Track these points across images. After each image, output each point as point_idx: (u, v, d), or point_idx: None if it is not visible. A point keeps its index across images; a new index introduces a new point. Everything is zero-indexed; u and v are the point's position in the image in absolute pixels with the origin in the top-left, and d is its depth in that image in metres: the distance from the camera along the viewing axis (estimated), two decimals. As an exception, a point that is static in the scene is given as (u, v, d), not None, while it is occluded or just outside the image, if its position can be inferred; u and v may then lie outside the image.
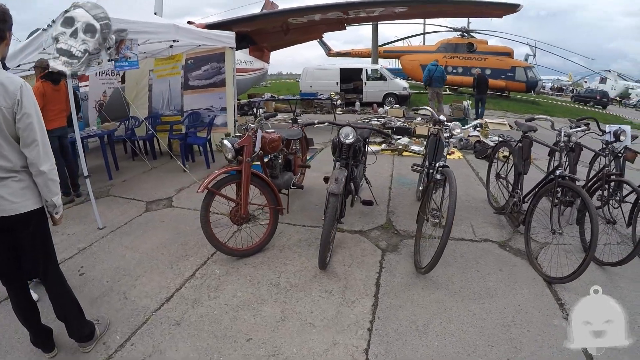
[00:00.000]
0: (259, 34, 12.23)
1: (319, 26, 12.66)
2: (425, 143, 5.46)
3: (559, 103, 25.14)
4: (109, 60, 4.63)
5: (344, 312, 2.93)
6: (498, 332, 2.70)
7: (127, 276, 3.59)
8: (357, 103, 15.91)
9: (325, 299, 3.12)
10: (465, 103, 13.67)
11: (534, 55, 31.85)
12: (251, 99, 12.18)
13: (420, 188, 4.67)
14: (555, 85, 45.11)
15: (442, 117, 3.86)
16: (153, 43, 7.12)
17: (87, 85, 8.45)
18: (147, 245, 4.16)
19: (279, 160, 4.53)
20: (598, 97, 28.73)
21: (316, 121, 4.00)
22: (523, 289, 3.22)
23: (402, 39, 31.09)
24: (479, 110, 13.47)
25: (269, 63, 17.68)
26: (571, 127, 3.88)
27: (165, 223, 4.76)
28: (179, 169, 7.12)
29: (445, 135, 3.66)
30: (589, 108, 24.35)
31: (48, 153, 2.16)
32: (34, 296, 2.72)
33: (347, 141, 3.54)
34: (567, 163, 3.65)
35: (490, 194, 5.31)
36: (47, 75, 5.18)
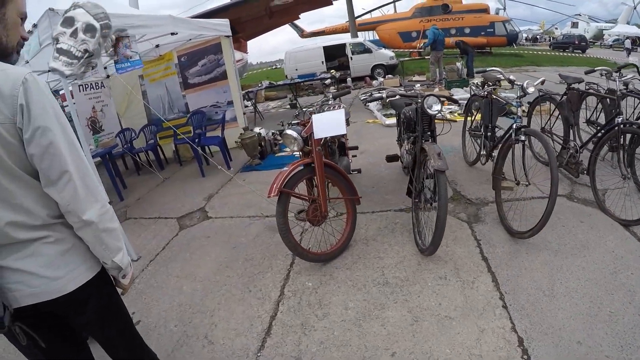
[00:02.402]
0: (240, 22, 11.42)
1: (302, 5, 11.92)
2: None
3: (540, 53, 24.79)
4: (113, 62, 3.96)
5: (471, 295, 2.63)
6: (609, 280, 2.62)
7: (199, 313, 2.92)
8: (349, 79, 15.21)
9: (445, 286, 2.76)
10: (458, 64, 13.21)
11: (504, 8, 31.40)
12: (249, 90, 11.36)
13: (483, 152, 4.22)
14: (529, 36, 44.86)
15: (511, 77, 3.53)
16: (140, 42, 6.31)
17: (67, 105, 7.57)
18: (205, 270, 3.49)
19: (336, 145, 3.89)
20: (576, 42, 28.53)
21: (383, 94, 3.35)
22: (608, 236, 3.12)
23: (374, 9, 30.27)
24: (470, 69, 13.05)
25: (247, 53, 16.88)
26: (620, 76, 3.75)
27: (212, 239, 4.07)
28: (195, 174, 6.45)
29: (518, 94, 3.38)
30: (570, 54, 24.09)
31: (91, 188, 1.33)
32: None
33: (431, 112, 2.99)
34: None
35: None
36: None
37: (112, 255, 1.42)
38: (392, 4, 30.71)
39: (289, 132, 2.99)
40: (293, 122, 3.32)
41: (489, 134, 4.05)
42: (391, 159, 4.52)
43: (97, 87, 7.87)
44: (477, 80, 10.69)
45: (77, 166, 1.30)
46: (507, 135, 3.43)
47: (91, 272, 1.43)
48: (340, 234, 3.38)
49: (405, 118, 3.37)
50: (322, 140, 3.03)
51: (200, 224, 4.53)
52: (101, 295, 1.51)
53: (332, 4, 11.92)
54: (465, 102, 5.29)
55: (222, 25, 6.60)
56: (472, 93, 4.67)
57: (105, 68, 7.69)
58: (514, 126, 3.23)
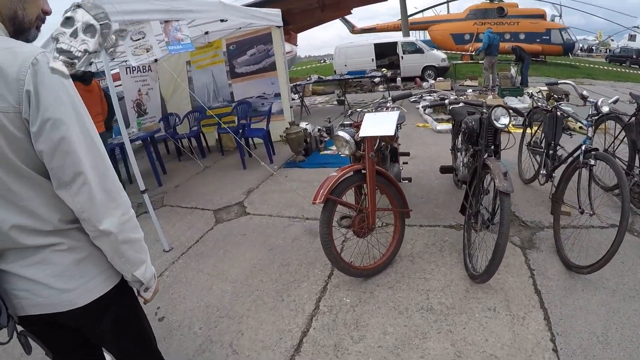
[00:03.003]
0: (292, 13, 11.24)
1: (355, 0, 11.62)
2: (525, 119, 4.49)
3: (596, 66, 23.27)
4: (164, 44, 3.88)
5: (521, 333, 2.32)
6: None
7: (226, 318, 2.72)
8: (399, 78, 14.76)
9: (493, 319, 2.45)
10: (513, 71, 12.44)
11: (560, 16, 29.62)
12: (296, 83, 11.18)
13: (543, 172, 3.79)
14: (584, 46, 42.35)
15: (584, 93, 3.14)
16: (189, 28, 6.21)
17: (120, 85, 7.66)
18: (238, 270, 3.29)
19: (388, 150, 3.59)
20: (634, 57, 26.37)
21: (446, 101, 3.01)
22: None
23: (426, 9, 29.38)
24: (524, 78, 12.27)
25: (297, 45, 16.75)
26: None
27: (248, 237, 3.88)
28: (236, 166, 6.31)
29: (590, 112, 3.00)
30: (627, 69, 22.41)
31: (111, 192, 1.12)
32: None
33: (499, 124, 2.65)
34: None
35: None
36: (74, 74, 4.36)
37: (133, 269, 1.23)
38: (446, 4, 29.74)
39: (341, 133, 2.74)
40: (345, 122, 3.05)
41: (550, 152, 3.65)
42: (445, 170, 4.18)
43: (144, 71, 7.91)
44: (532, 89, 10.06)
45: (95, 166, 1.08)
46: (573, 157, 3.05)
47: (109, 284, 1.24)
48: (384, 247, 3.09)
49: (467, 128, 2.99)
50: (376, 145, 2.74)
51: (237, 220, 4.35)
52: (119, 307, 1.31)
53: (386, 0, 11.50)
54: (525, 113, 4.85)
55: (274, 15, 6.39)
56: (535, 105, 4.23)
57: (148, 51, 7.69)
58: (583, 148, 2.86)
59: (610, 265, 2.72)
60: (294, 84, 10.96)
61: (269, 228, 3.98)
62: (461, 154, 3.70)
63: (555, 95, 3.91)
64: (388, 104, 3.03)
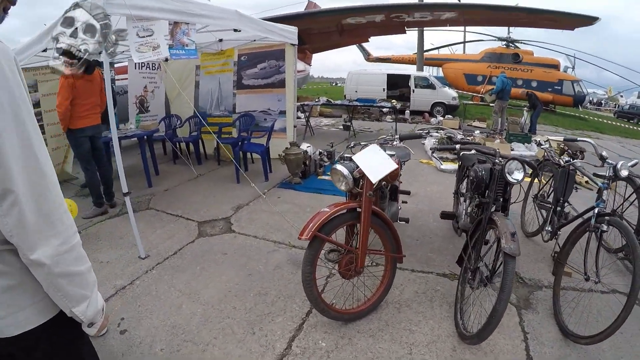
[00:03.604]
0: (310, 33, 11.22)
1: (374, 29, 11.62)
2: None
3: (604, 121, 23.40)
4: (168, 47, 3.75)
5: None
6: None
7: (191, 343, 2.51)
8: (407, 111, 14.73)
9: None
10: (523, 118, 12.39)
11: (573, 68, 29.89)
12: (304, 102, 11.08)
13: (549, 228, 3.58)
14: (594, 100, 42.73)
15: (604, 153, 3.04)
16: (202, 33, 6.11)
17: (126, 79, 7.54)
18: (211, 292, 3.08)
19: (387, 188, 3.41)
20: None
21: (458, 146, 2.87)
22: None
23: (443, 46, 29.71)
24: (533, 125, 12.22)
25: (310, 65, 16.75)
26: None
27: (228, 257, 3.66)
28: (230, 178, 6.12)
29: (607, 174, 2.87)
30: (634, 127, 22.52)
31: (49, 216, 0.95)
32: None
33: (511, 179, 2.47)
34: None
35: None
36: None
37: (72, 305, 1.04)
38: (462, 45, 30.11)
39: (339, 167, 2.54)
40: (346, 155, 2.88)
41: (558, 208, 3.48)
42: (446, 216, 3.97)
43: (154, 68, 7.82)
44: (540, 138, 9.94)
45: (31, 185, 0.90)
46: (584, 218, 2.89)
47: (41, 318, 1.05)
48: (371, 289, 2.89)
49: (476, 177, 2.79)
50: (377, 185, 2.56)
51: (220, 236, 4.14)
52: (54, 342, 1.11)
53: (405, 32, 11.52)
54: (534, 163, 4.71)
55: (290, 32, 6.30)
56: (546, 156, 4.09)
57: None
58: (596, 211, 2.69)
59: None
60: (302, 103, 10.88)
61: (252, 250, 3.77)
62: (465, 201, 3.51)
63: (569, 151, 3.75)
64: (395, 142, 2.85)
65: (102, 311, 1.15)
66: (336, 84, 37.43)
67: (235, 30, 5.25)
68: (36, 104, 5.70)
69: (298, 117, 11.45)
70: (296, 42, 6.53)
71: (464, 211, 3.52)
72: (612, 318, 2.33)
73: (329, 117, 15.11)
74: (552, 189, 3.91)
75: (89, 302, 1.07)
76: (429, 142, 8.83)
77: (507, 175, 2.45)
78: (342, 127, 11.92)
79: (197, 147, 7.33)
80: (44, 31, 4.45)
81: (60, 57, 3.25)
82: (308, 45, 13.88)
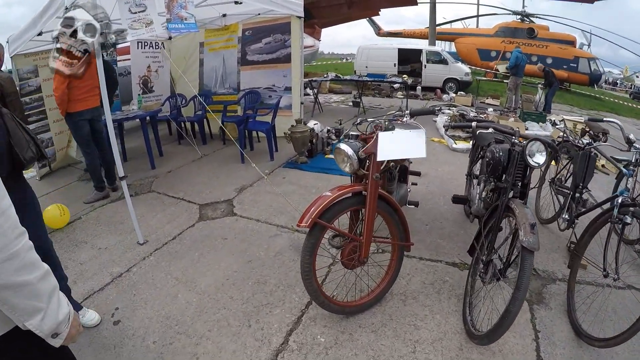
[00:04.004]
0: (318, 7, 10.86)
1: (383, 1, 11.20)
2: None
3: (620, 102, 22.57)
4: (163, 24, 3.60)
5: None
6: None
7: (184, 335, 2.39)
8: (419, 87, 14.29)
9: None
10: (539, 95, 11.87)
11: (589, 45, 28.65)
12: (312, 79, 10.77)
13: (566, 216, 3.26)
14: (609, 79, 41.06)
15: (631, 136, 2.72)
16: (204, 7, 5.86)
17: (129, 59, 7.35)
18: (209, 280, 2.95)
19: (396, 169, 3.17)
20: None
21: (473, 123, 2.55)
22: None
23: (455, 20, 28.68)
24: (548, 104, 11.73)
25: (319, 40, 16.35)
26: None
27: (229, 242, 3.52)
28: (235, 158, 5.96)
29: (634, 158, 2.61)
30: None
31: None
32: None
33: (532, 162, 2.21)
34: None
35: None
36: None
37: (24, 318, 0.91)
38: (476, 19, 29.08)
39: (342, 147, 2.33)
40: (352, 132, 2.65)
41: (577, 195, 3.19)
42: (458, 200, 3.63)
43: (157, 47, 7.60)
44: (555, 117, 9.48)
45: None
46: (604, 208, 2.61)
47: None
48: (375, 281, 2.71)
49: (493, 159, 2.51)
50: (384, 166, 2.35)
51: (222, 220, 3.99)
52: (25, 351, 1.03)
53: (416, 4, 11.05)
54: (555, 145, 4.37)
55: (295, 4, 5.99)
56: (565, 137, 3.68)
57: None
58: (620, 200, 2.40)
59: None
60: (310, 79, 10.58)
61: (254, 235, 3.62)
62: (479, 185, 3.21)
63: (591, 132, 3.45)
64: (405, 119, 2.59)
65: (66, 321, 1.01)
66: (347, 59, 36.59)
67: (236, 2, 5.00)
68: (37, 89, 5.59)
69: (306, 94, 11.19)
70: (302, 14, 6.22)
71: (477, 195, 3.20)
72: (628, 318, 2.12)
73: (338, 93, 14.74)
74: (569, 173, 3.60)
75: (44, 314, 0.94)
76: (441, 120, 8.51)
77: (528, 157, 2.19)
78: (351, 103, 11.61)
79: (202, 127, 7.16)
80: (37, 15, 4.33)
81: (60, 57, 3.34)
82: (317, 19, 13.51)
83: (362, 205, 2.33)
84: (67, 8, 3.20)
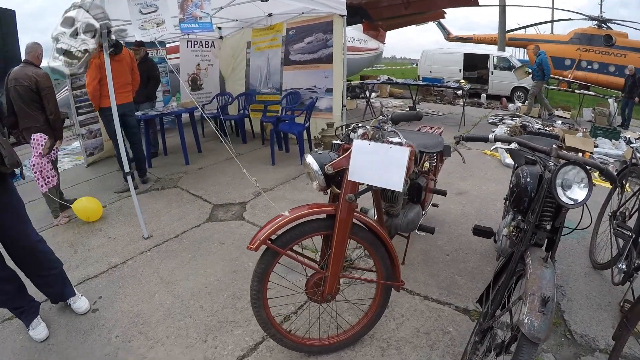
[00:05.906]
0: (375, 7, 10.55)
1: (442, 0, 10.67)
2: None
3: None
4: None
5: None
6: None
7: (143, 337, 2.33)
8: (483, 95, 13.43)
9: None
10: (612, 107, 10.42)
11: None
12: (364, 81, 10.49)
13: (622, 266, 2.40)
14: None
15: None
16: (248, 6, 5.80)
17: (178, 57, 7.57)
18: (189, 285, 2.84)
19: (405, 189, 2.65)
20: None
21: (491, 135, 1.89)
22: None
23: (529, 26, 26.71)
24: (626, 119, 10.30)
25: (384, 43, 15.96)
26: None
27: (224, 247, 3.39)
28: (267, 159, 5.85)
29: None
30: None
31: None
32: None
33: (565, 199, 1.50)
34: None
35: None
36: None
37: None
38: (550, 24, 26.89)
39: (308, 159, 1.91)
40: (335, 142, 2.17)
41: None
42: (481, 232, 2.75)
43: (207, 46, 7.78)
44: (630, 135, 8.23)
45: None
46: None
47: None
48: (353, 318, 2.39)
49: (517, 186, 1.76)
50: (366, 187, 1.90)
51: (227, 223, 3.88)
52: None
53: (478, 4, 10.35)
54: (617, 168, 3.42)
55: (337, 2, 5.69)
56: (633, 159, 2.82)
57: (219, 29, 7.53)
58: None
59: None
60: (361, 82, 10.30)
61: (251, 241, 3.48)
62: (507, 216, 2.56)
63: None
64: (386, 127, 2.11)
65: None
66: (416, 64, 35.77)
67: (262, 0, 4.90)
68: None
69: (362, 97, 10.85)
70: (344, 12, 5.95)
71: (503, 232, 2.29)
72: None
73: (398, 97, 14.28)
74: (636, 208, 2.76)
75: None
76: (500, 131, 7.79)
77: (559, 189, 1.50)
78: (408, 108, 11.17)
79: (243, 126, 7.18)
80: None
81: (60, 57, 3.25)
82: (377, 21, 13.18)
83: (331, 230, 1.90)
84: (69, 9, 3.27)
